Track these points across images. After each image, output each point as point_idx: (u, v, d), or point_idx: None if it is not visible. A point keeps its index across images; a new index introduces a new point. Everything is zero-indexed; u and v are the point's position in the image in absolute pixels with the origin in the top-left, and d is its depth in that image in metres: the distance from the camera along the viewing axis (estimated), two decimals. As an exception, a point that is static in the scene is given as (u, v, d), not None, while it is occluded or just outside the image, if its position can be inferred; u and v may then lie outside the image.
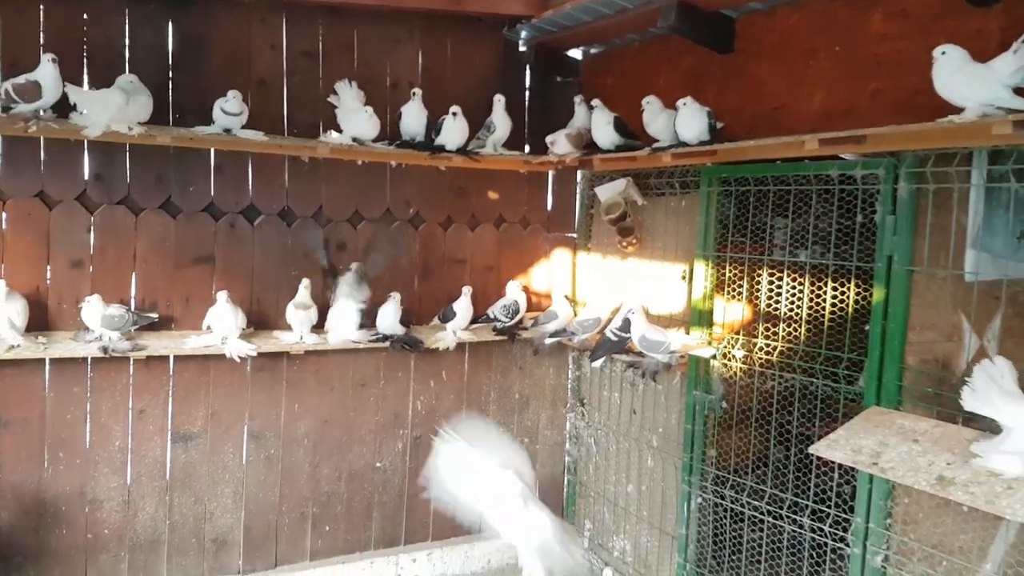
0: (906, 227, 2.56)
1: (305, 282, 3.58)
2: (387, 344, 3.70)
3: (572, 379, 4.34)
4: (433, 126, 3.76)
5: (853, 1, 2.84)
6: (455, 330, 3.88)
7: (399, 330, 3.70)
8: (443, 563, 4.13)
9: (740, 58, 3.29)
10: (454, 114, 3.69)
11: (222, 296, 3.35)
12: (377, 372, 3.96)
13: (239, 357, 3.37)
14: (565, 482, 4.37)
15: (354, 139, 3.60)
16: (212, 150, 3.54)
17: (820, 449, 2.51)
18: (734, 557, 3.24)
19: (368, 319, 3.69)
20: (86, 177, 3.38)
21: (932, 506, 2.60)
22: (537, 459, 4.39)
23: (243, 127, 3.36)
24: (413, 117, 3.73)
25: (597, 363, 3.66)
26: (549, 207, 4.41)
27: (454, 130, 3.71)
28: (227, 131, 3.32)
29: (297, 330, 3.55)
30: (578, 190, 4.37)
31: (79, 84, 3.25)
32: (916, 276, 2.60)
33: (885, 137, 2.47)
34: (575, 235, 4.39)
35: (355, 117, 3.61)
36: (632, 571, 3.77)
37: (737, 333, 3.28)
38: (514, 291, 4.13)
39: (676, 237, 3.59)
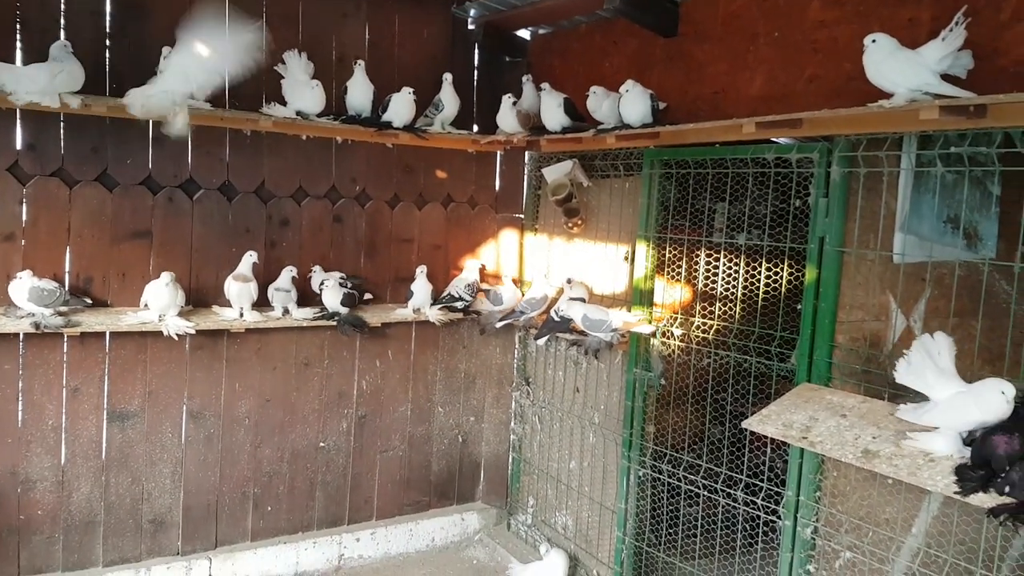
0: (838, 210, 2.64)
1: (251, 253, 3.51)
2: (333, 323, 3.67)
3: (518, 358, 4.37)
4: (380, 102, 3.72)
5: (794, -12, 2.90)
6: (417, 308, 3.87)
7: (342, 309, 3.67)
8: (387, 542, 4.14)
9: (684, 42, 3.34)
10: (409, 92, 3.65)
11: (165, 276, 3.27)
12: (322, 351, 3.92)
13: (177, 335, 3.30)
14: (510, 459, 4.41)
15: (299, 113, 3.54)
16: (151, 121, 3.43)
17: (753, 424, 2.59)
18: (671, 530, 3.32)
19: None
20: (18, 147, 3.25)
21: (859, 479, 2.71)
22: (483, 438, 4.42)
23: (186, 96, 3.26)
24: (359, 92, 3.68)
25: (541, 342, 3.69)
26: (497, 187, 4.41)
27: (401, 107, 3.67)
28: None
29: (236, 305, 3.48)
30: (526, 171, 4.37)
31: (12, 51, 3.12)
32: (847, 257, 2.69)
33: (819, 121, 2.54)
34: (523, 216, 4.40)
35: (301, 90, 3.54)
36: (573, 546, 3.84)
37: (676, 312, 3.35)
38: (472, 269, 4.15)
39: (620, 218, 3.63)
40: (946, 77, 2.26)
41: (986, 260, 2.97)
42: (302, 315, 3.59)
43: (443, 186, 4.22)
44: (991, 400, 2.09)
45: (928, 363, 2.30)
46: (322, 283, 3.68)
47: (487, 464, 4.44)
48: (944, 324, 2.93)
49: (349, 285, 3.70)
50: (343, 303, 3.64)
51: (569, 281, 3.66)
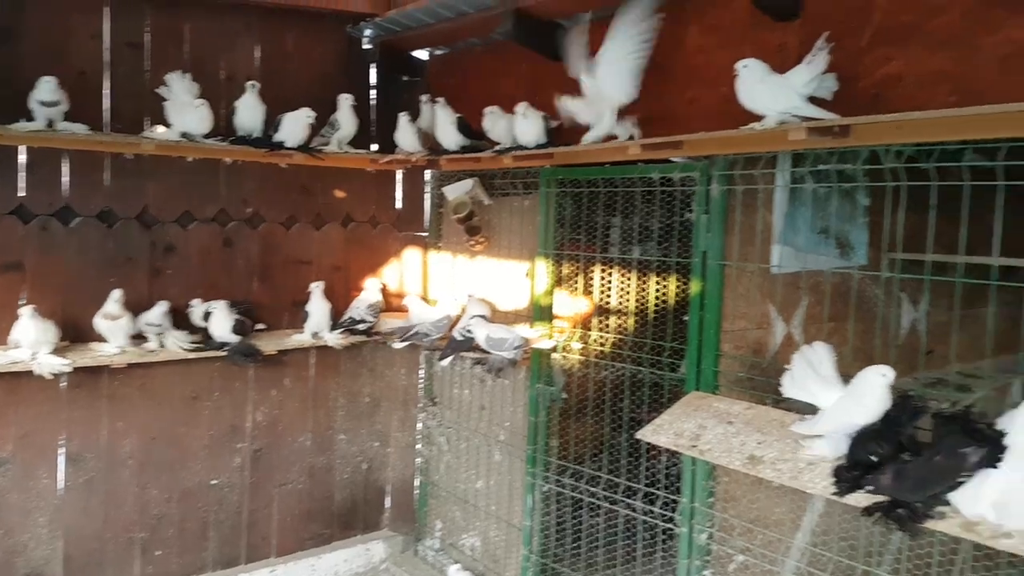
0: (718, 225, 2.76)
1: (115, 294, 3.31)
2: (223, 353, 3.53)
3: (424, 378, 4.33)
4: (272, 122, 3.63)
5: (673, 15, 3.01)
6: (315, 332, 3.77)
7: (233, 338, 3.53)
8: (289, 578, 4.00)
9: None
10: (307, 114, 3.58)
11: (26, 311, 3.06)
12: (210, 383, 3.75)
13: (51, 374, 3.09)
14: (416, 483, 4.35)
15: (183, 134, 3.40)
16: (24, 147, 3.23)
17: (646, 435, 2.66)
18: (575, 543, 3.36)
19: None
20: None
21: (749, 483, 2.83)
22: (388, 463, 4.35)
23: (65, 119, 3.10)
24: (248, 111, 3.58)
25: (445, 362, 3.67)
26: (399, 206, 4.38)
27: (294, 127, 3.60)
28: (50, 125, 3.05)
29: (113, 340, 3.29)
30: (427, 189, 4.37)
31: None
32: (728, 270, 2.81)
33: (698, 143, 2.65)
34: (426, 234, 4.39)
35: (186, 111, 3.41)
36: (481, 567, 3.82)
37: (575, 326, 3.41)
38: (373, 289, 4.09)
39: (521, 236, 3.68)
40: (815, 99, 2.39)
41: (855, 268, 3.17)
42: (174, 345, 3.43)
43: (342, 206, 4.15)
44: (870, 394, 2.20)
45: (810, 373, 2.39)
46: (206, 313, 3.53)
47: (393, 490, 4.37)
48: (821, 329, 3.10)
49: (237, 312, 3.57)
50: (234, 331, 3.51)
51: (470, 298, 3.67)
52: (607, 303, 3.30)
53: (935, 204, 2.43)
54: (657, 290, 3.11)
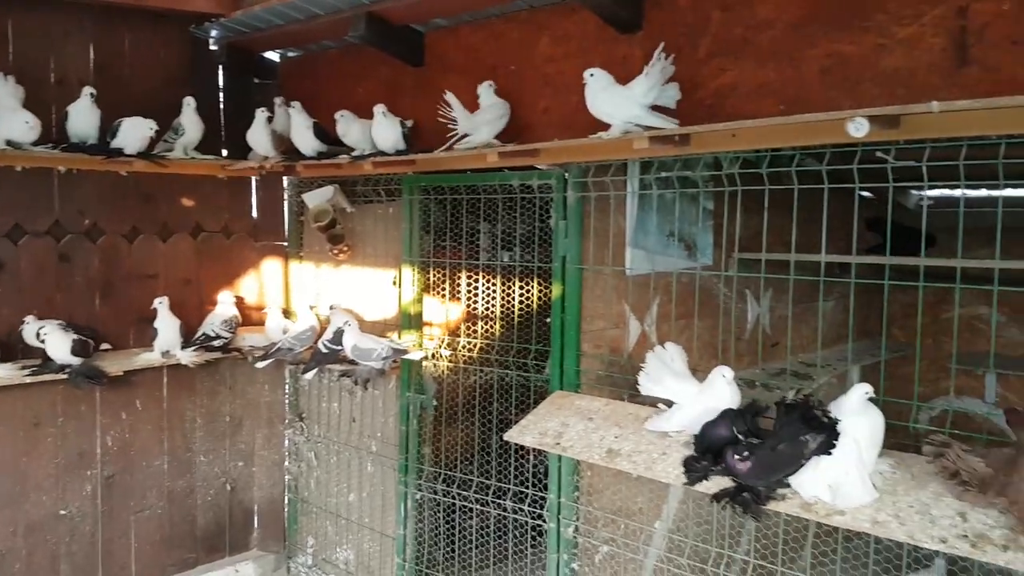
0: (575, 230, 2.87)
1: None
2: (64, 376, 3.26)
3: (289, 394, 4.19)
4: (109, 128, 3.39)
5: (525, 24, 3.10)
6: (165, 351, 3.56)
7: (73, 360, 3.27)
8: (151, 609, 3.76)
9: (430, 71, 3.43)
10: (151, 125, 3.38)
11: None
12: (53, 408, 3.47)
13: None
14: (286, 501, 4.21)
15: (9, 142, 3.12)
16: None
17: (513, 436, 2.71)
18: (449, 548, 3.38)
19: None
20: None
21: (611, 476, 2.95)
22: (254, 482, 4.18)
23: None
24: (82, 117, 3.33)
25: (310, 375, 3.57)
26: (255, 215, 4.21)
27: (133, 132, 3.38)
28: None
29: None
30: (286, 197, 4.23)
31: None
32: (586, 273, 2.93)
33: (553, 151, 2.74)
34: (286, 244, 4.25)
35: (11, 117, 3.13)
36: (356, 580, 3.76)
37: (444, 333, 3.42)
38: (228, 303, 3.90)
39: (385, 243, 3.64)
40: (661, 108, 2.49)
41: (701, 268, 3.39)
42: (5, 371, 3.15)
43: (191, 215, 3.94)
44: (718, 389, 2.38)
45: (664, 370, 2.53)
46: (40, 333, 3.26)
47: (261, 509, 4.20)
48: (674, 326, 3.29)
49: (74, 332, 3.31)
50: (74, 352, 3.25)
51: (333, 309, 3.60)
52: (474, 309, 3.33)
53: (768, 206, 2.63)
54: (521, 295, 3.18)
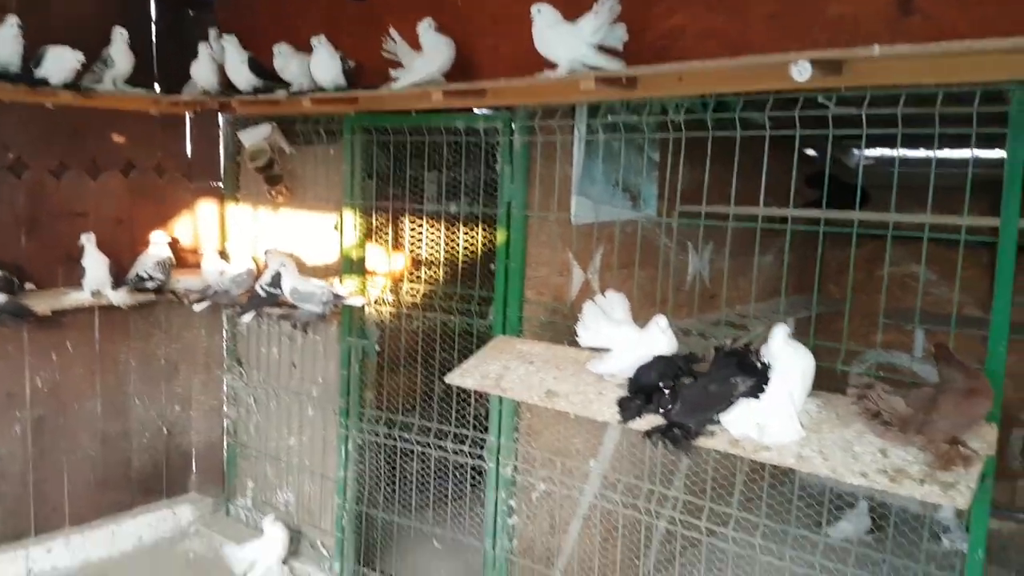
0: (521, 176, 2.85)
1: None
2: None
3: (227, 338, 4.11)
4: (33, 56, 3.19)
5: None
6: (96, 291, 3.43)
7: (-1, 297, 3.14)
8: (85, 548, 3.70)
9: (374, 5, 3.31)
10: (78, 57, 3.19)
11: None
12: (-23, 349, 3.34)
13: None
14: (225, 446, 4.16)
15: (-81, 68, 2.92)
16: None
17: (454, 378, 2.73)
18: (390, 489, 3.41)
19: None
20: None
21: (551, 417, 3.00)
22: (192, 426, 4.12)
23: None
24: (4, 44, 3.12)
25: (247, 318, 3.51)
26: (190, 153, 4.06)
27: (59, 61, 3.19)
28: None
29: None
30: (221, 136, 4.08)
31: None
32: (531, 220, 2.92)
33: (500, 91, 2.69)
34: (222, 185, 4.12)
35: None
36: (296, 520, 3.76)
37: (386, 278, 3.39)
38: (161, 244, 3.77)
39: (327, 187, 3.56)
40: (608, 50, 2.41)
41: (645, 218, 3.42)
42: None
43: (122, 152, 3.77)
44: (654, 336, 2.43)
45: (602, 320, 2.54)
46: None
47: (199, 453, 4.15)
48: (616, 275, 3.33)
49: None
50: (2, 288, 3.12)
51: (269, 252, 3.52)
52: (418, 255, 3.31)
53: (711, 159, 2.65)
54: (466, 241, 3.17)
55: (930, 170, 2.20)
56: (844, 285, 4.77)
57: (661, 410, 2.18)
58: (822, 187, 4.33)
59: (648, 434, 2.19)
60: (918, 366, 4.56)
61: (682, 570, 3.69)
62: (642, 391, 2.29)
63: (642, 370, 2.34)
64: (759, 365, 2.16)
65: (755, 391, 2.11)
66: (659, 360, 2.35)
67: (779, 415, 2.04)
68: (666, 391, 2.22)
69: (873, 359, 4.68)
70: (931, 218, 2.27)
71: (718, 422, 2.12)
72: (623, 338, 2.50)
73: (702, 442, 2.11)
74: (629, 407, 2.25)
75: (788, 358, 2.10)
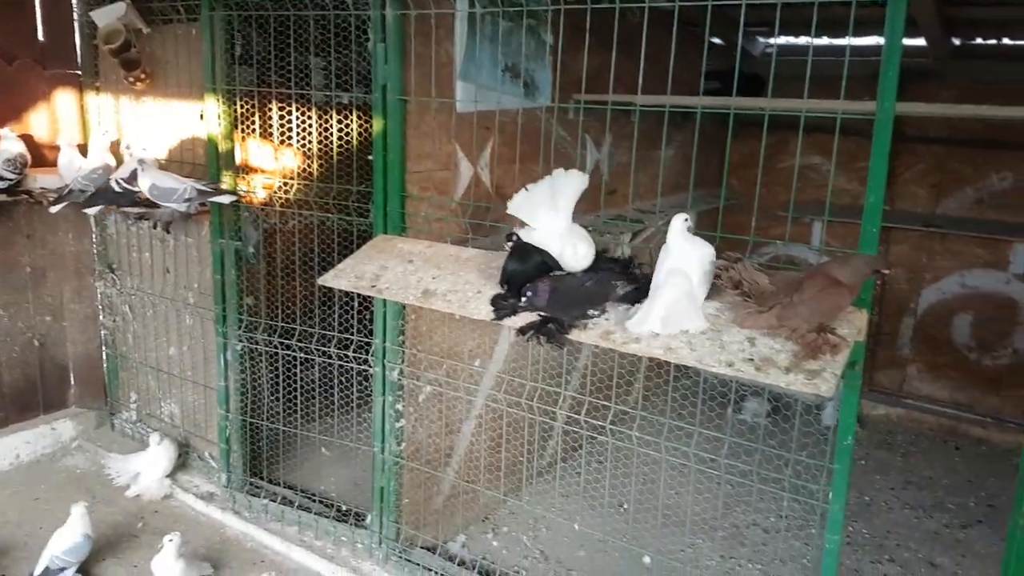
0: (395, 55, 2.59)
1: None
2: None
3: (97, 243, 3.80)
4: None
5: None
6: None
7: None
8: (-47, 471, 3.49)
9: None
10: None
11: None
12: None
13: None
14: (104, 357, 3.92)
15: None
16: None
17: (328, 279, 2.56)
18: (274, 397, 3.28)
19: None
20: None
21: (439, 318, 2.89)
22: (67, 337, 3.85)
23: None
24: None
25: (91, 211, 3.20)
26: (42, 38, 3.60)
27: None
28: None
29: None
30: (76, 16, 3.63)
31: None
32: (411, 107, 2.69)
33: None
34: (80, 73, 3.69)
35: None
36: (182, 432, 3.62)
37: (258, 174, 3.13)
38: (11, 141, 3.37)
39: (189, 71, 3.21)
40: None
41: (540, 108, 3.23)
42: None
43: (-44, 35, 3.31)
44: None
45: (547, 199, 2.29)
46: None
47: (77, 365, 3.90)
48: (509, 170, 3.16)
49: None
50: None
51: (128, 146, 3.19)
52: (291, 146, 3.04)
53: (616, 45, 2.46)
54: (342, 130, 2.92)
55: (836, 58, 2.07)
56: (746, 179, 4.73)
57: (524, 300, 2.09)
58: (722, 81, 4.21)
59: (522, 331, 2.10)
60: (815, 258, 4.64)
61: (576, 466, 3.75)
62: (511, 287, 2.19)
63: (504, 266, 2.22)
64: (641, 276, 2.13)
65: (633, 299, 2.06)
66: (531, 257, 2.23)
67: (682, 305, 1.94)
68: (541, 290, 2.12)
69: (773, 252, 4.73)
70: (844, 103, 2.14)
71: (590, 317, 2.05)
72: (552, 226, 2.27)
73: (575, 336, 2.04)
74: (502, 306, 2.15)
75: (687, 248, 1.99)
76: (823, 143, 4.29)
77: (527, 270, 2.17)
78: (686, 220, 2.00)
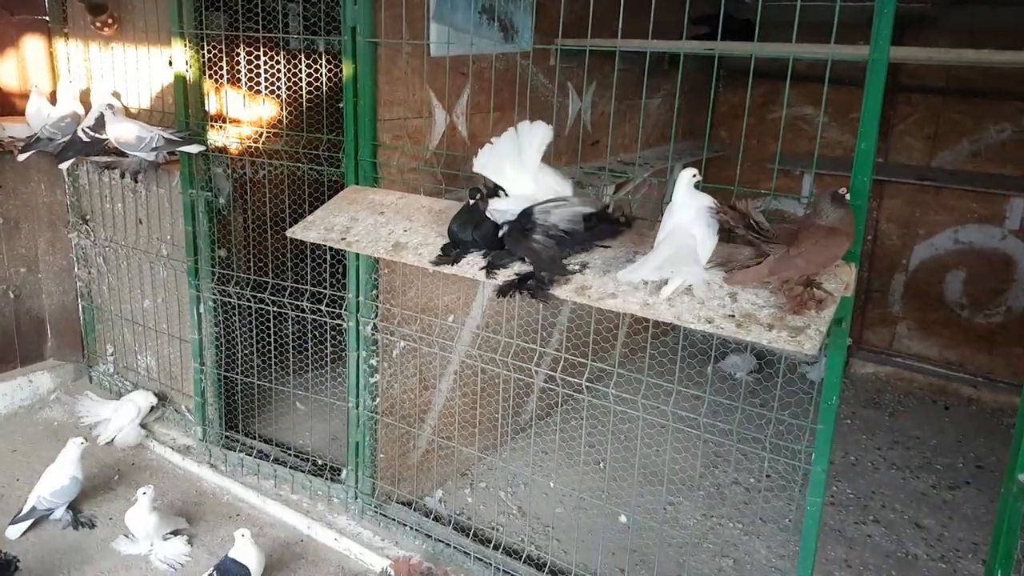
0: (365, -5, 2.47)
1: None
2: None
3: (70, 193, 3.71)
4: None
5: None
6: None
7: None
8: (-72, 425, 3.47)
9: None
10: None
11: None
12: None
13: None
14: (80, 308, 3.88)
15: None
16: None
17: (296, 232, 2.50)
18: (249, 351, 3.24)
19: None
20: None
21: (415, 273, 2.82)
22: (42, 290, 3.79)
23: None
24: None
25: (64, 166, 3.12)
26: (7, -20, 3.47)
27: None
28: None
29: None
30: (40, -43, 3.48)
31: None
32: (382, 51, 2.58)
33: None
34: (48, 19, 3.56)
35: None
36: (159, 385, 3.59)
37: (227, 122, 3.03)
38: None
39: (157, 16, 3.08)
40: None
41: (519, 53, 3.11)
42: None
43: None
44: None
45: (512, 153, 2.19)
46: None
47: (53, 318, 3.85)
48: (486, 119, 3.06)
49: None
50: None
51: (95, 94, 3.09)
52: (260, 92, 2.94)
53: None
54: (312, 76, 2.81)
55: (827, 3, 1.95)
56: (735, 130, 4.61)
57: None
58: (711, 27, 4.06)
59: (501, 292, 2.05)
60: (805, 211, 4.54)
61: (555, 423, 3.73)
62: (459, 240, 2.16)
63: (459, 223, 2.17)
64: (622, 219, 2.10)
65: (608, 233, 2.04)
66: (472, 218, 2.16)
67: (681, 256, 1.84)
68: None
69: (762, 205, 4.63)
70: (835, 48, 2.02)
71: (569, 273, 1.99)
72: (522, 183, 2.19)
73: (555, 291, 1.98)
74: (448, 255, 2.13)
75: (693, 205, 1.87)
76: (815, 93, 4.17)
77: (465, 239, 2.13)
78: (695, 175, 1.90)
